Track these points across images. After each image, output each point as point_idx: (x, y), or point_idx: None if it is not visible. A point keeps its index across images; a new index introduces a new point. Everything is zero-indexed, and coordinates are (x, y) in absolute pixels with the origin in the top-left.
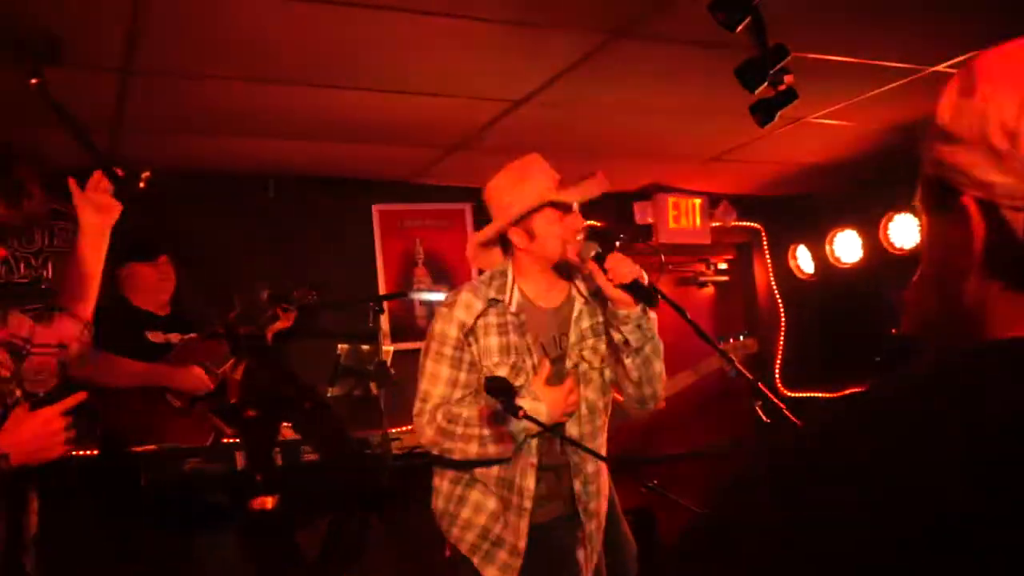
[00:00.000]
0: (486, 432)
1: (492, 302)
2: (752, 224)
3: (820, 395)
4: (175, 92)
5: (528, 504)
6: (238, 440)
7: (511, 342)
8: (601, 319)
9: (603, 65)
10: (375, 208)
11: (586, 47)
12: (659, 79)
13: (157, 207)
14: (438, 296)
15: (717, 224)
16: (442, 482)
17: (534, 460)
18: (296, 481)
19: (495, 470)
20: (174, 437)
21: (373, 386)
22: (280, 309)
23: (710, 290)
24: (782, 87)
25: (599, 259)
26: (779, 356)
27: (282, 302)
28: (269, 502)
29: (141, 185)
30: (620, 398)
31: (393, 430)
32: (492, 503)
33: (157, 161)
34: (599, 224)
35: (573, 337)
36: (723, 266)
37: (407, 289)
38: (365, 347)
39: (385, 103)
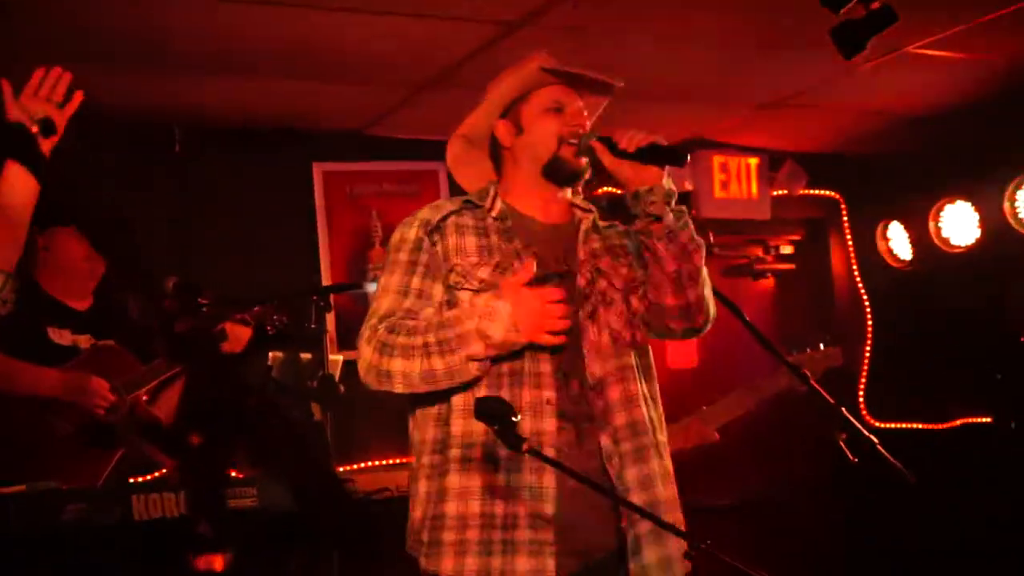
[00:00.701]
0: (431, 339)
1: (468, 204)
2: (827, 193)
3: (920, 426)
4: (44, 4)
5: (551, 395)
6: (141, 480)
7: (493, 243)
8: (617, 242)
9: None
10: (316, 168)
11: None
12: None
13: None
14: None
15: (780, 192)
16: (419, 481)
17: (551, 395)
18: (255, 530)
19: (478, 433)
20: (55, 473)
21: (316, 408)
22: (240, 322)
23: (769, 282)
24: (875, 5)
25: (605, 140)
26: (864, 372)
27: (194, 296)
28: (218, 561)
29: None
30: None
31: (344, 468)
32: (478, 480)
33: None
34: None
35: (582, 253)
36: (787, 250)
37: (360, 279)
38: (305, 356)
39: (333, 24)
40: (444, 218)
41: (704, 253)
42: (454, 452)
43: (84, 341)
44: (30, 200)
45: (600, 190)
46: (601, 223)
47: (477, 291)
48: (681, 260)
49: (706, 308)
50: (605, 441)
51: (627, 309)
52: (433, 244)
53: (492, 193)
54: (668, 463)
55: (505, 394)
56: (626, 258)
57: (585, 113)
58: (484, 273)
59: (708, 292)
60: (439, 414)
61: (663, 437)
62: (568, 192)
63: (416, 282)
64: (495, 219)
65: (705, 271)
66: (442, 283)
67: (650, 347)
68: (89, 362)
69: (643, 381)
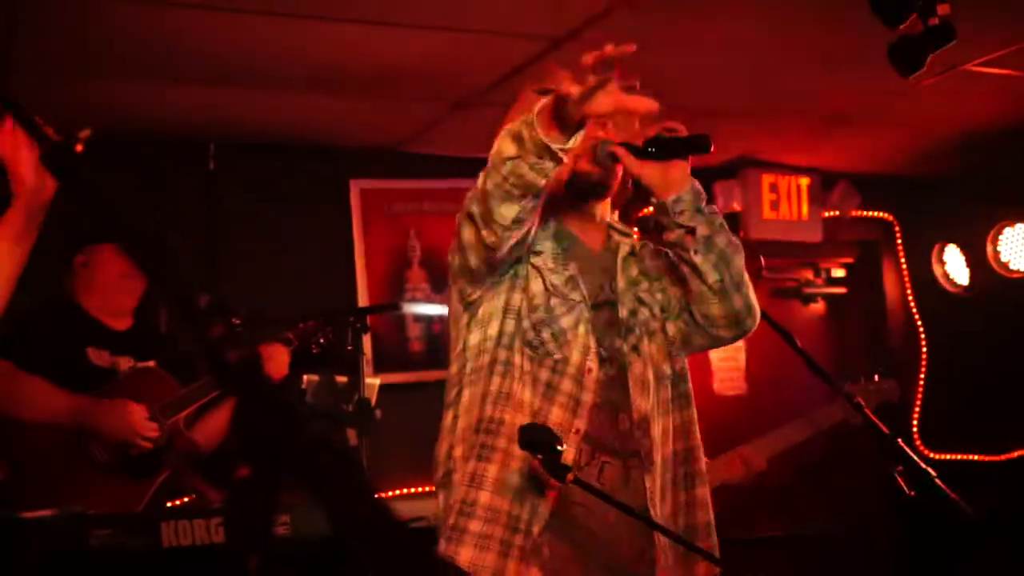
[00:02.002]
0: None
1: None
2: (881, 215)
3: (977, 458)
4: (75, 17)
5: (581, 425)
6: (170, 506)
7: (561, 256)
8: (650, 263)
9: None
10: (354, 185)
11: None
12: (755, 7)
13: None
14: (442, 309)
15: (832, 214)
16: (450, 488)
17: (581, 426)
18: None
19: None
20: (94, 502)
21: (352, 434)
22: (280, 342)
23: (820, 307)
24: (934, 20)
25: (625, 144)
26: (918, 402)
27: (226, 315)
28: None
29: (79, 148)
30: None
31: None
32: (515, 479)
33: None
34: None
35: (623, 282)
36: (839, 273)
37: (398, 299)
38: (341, 379)
39: (373, 39)
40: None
41: (742, 253)
42: (502, 441)
43: (124, 363)
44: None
45: (645, 210)
46: (621, 237)
47: (547, 291)
48: (721, 268)
49: (754, 310)
50: (649, 482)
51: (666, 338)
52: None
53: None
54: (706, 491)
55: (536, 402)
56: (659, 281)
57: (607, 124)
58: (557, 279)
59: (751, 292)
60: (484, 394)
61: (700, 465)
62: (599, 211)
63: None
64: (553, 237)
65: (747, 276)
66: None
67: (689, 372)
68: (126, 386)
69: (682, 410)
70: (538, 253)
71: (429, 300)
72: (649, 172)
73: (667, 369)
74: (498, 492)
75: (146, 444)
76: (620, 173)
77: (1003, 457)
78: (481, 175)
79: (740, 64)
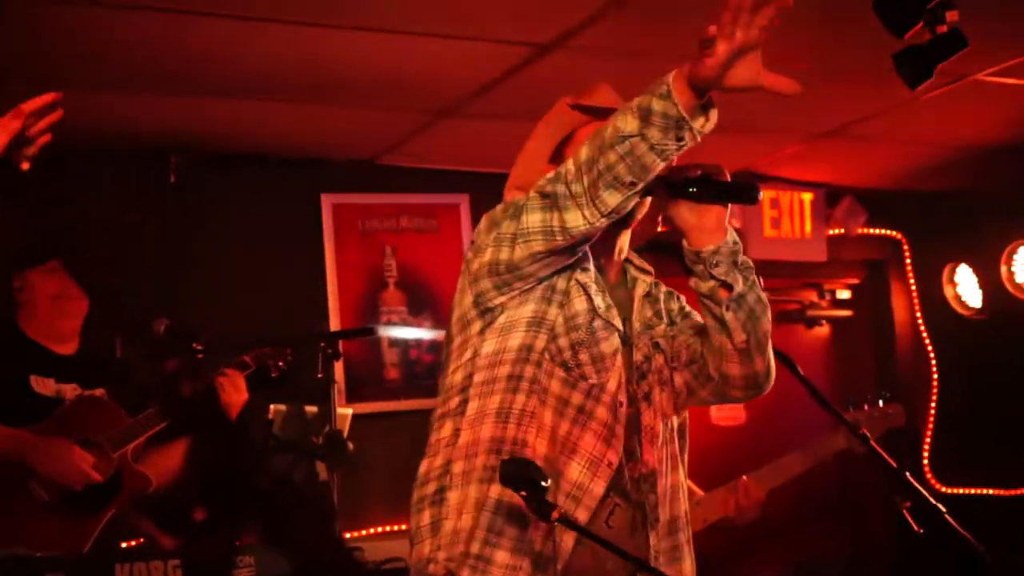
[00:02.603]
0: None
1: None
2: (889, 232)
3: (990, 492)
4: (24, 21)
5: (614, 458)
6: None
7: (601, 281)
8: (663, 306)
9: None
10: (326, 199)
11: None
12: None
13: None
14: (420, 333)
15: (836, 232)
16: (470, 485)
17: (614, 459)
18: None
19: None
20: (35, 542)
21: (321, 468)
22: (235, 366)
23: (824, 330)
24: (943, 28)
25: (648, 191)
26: (928, 432)
27: (187, 340)
28: None
29: (24, 166)
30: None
31: (351, 535)
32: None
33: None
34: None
35: (638, 323)
36: (845, 295)
37: (373, 322)
38: (310, 409)
39: (349, 45)
40: None
41: (769, 312)
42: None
43: (70, 391)
44: None
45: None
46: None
47: (592, 311)
48: (749, 328)
49: (772, 373)
50: (654, 540)
51: (673, 388)
52: None
53: None
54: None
55: (564, 426)
56: (672, 327)
57: None
58: (601, 302)
59: (771, 353)
60: (500, 410)
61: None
62: (620, 242)
63: None
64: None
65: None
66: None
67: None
68: (68, 416)
69: (682, 467)
70: (586, 270)
71: (406, 323)
72: (684, 214)
73: (674, 422)
74: (523, 522)
75: (85, 482)
76: (648, 204)
77: (1018, 492)
78: (581, 153)
79: None
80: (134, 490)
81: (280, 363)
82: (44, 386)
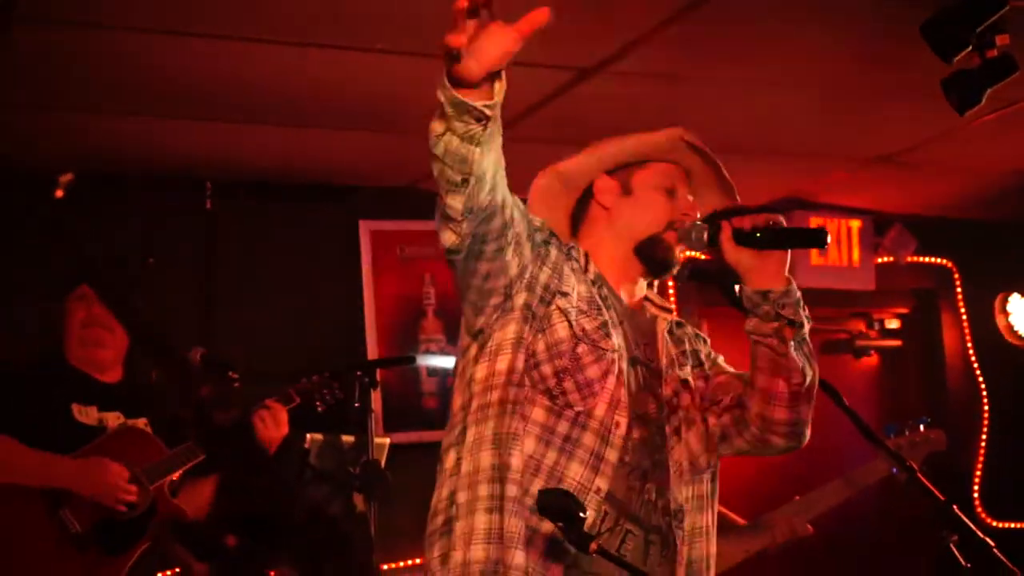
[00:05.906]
0: None
1: (570, 252)
2: (939, 261)
3: None
4: (65, 49)
5: (604, 484)
6: None
7: (597, 301)
8: (688, 347)
9: (715, 19)
10: (364, 226)
11: None
12: (798, 43)
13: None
14: None
15: (885, 260)
16: (475, 514)
17: (603, 486)
18: None
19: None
20: None
21: (359, 499)
22: (279, 399)
23: (873, 360)
24: (992, 53)
25: (718, 225)
26: (979, 465)
27: (223, 370)
28: None
29: (59, 194)
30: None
31: (388, 566)
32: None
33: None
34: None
35: (664, 359)
36: (893, 324)
37: (411, 351)
38: (347, 439)
39: (386, 69)
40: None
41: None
42: (511, 489)
43: (112, 419)
44: None
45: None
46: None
47: (575, 337)
48: (807, 370)
49: (809, 426)
50: (680, 574)
51: (706, 430)
52: (548, 247)
53: (584, 255)
54: None
55: (551, 456)
56: (700, 368)
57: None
58: (588, 324)
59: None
60: (495, 436)
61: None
62: (646, 282)
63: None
64: (592, 282)
65: None
66: (534, 291)
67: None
68: (108, 446)
69: (711, 512)
70: (565, 295)
71: (445, 352)
72: (747, 260)
73: (703, 462)
74: (526, 547)
75: (122, 507)
76: (683, 254)
77: None
78: None
79: (786, 98)
80: (168, 523)
81: (327, 396)
82: (86, 415)
